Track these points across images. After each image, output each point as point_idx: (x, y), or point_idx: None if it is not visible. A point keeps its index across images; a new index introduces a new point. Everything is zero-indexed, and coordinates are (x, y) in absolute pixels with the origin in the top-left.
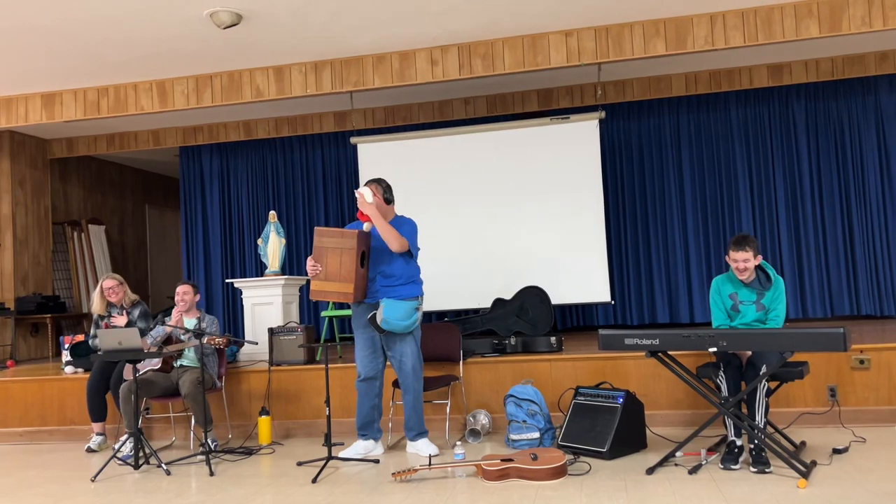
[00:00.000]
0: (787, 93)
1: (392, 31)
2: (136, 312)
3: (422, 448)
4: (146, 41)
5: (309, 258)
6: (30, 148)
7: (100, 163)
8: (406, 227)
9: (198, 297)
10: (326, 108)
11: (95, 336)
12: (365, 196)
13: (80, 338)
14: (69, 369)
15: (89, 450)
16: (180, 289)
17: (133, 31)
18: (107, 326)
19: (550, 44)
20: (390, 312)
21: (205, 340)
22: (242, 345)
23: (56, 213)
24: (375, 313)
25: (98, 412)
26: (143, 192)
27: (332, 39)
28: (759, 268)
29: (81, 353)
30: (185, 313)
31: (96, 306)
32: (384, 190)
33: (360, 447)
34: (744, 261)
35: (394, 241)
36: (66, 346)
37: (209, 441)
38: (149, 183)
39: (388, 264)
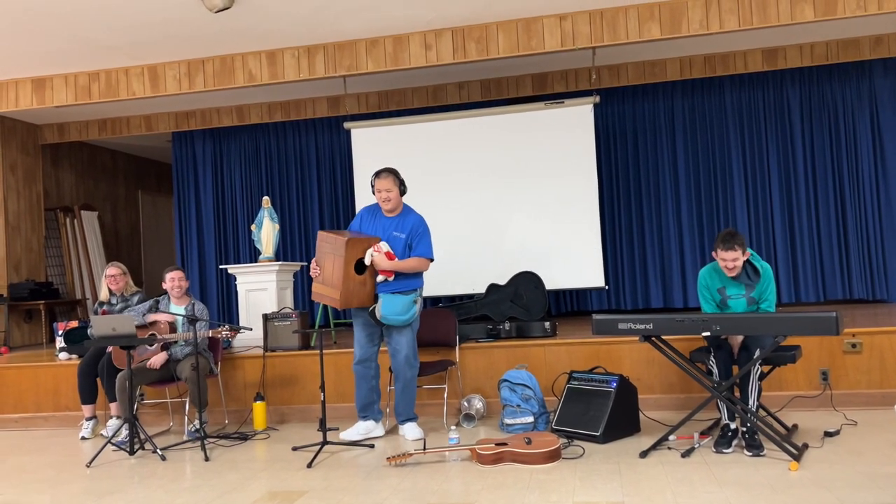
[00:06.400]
0: (781, 77)
1: (385, 15)
2: (135, 300)
3: (408, 432)
4: (137, 25)
5: (313, 260)
6: (21, 133)
7: (92, 148)
8: (421, 234)
9: (187, 284)
10: (320, 93)
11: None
12: (380, 263)
13: (74, 324)
14: (63, 356)
15: (83, 438)
16: (173, 274)
17: (124, 15)
18: (104, 313)
19: (545, 28)
20: (387, 309)
21: (209, 333)
22: (238, 332)
23: (48, 199)
24: (375, 307)
25: (89, 394)
26: (136, 178)
27: (324, 23)
28: (746, 261)
29: (75, 340)
30: (176, 300)
31: (102, 293)
32: (401, 183)
33: (360, 428)
34: (733, 260)
35: (417, 269)
36: (60, 332)
37: (201, 422)
38: (141, 169)
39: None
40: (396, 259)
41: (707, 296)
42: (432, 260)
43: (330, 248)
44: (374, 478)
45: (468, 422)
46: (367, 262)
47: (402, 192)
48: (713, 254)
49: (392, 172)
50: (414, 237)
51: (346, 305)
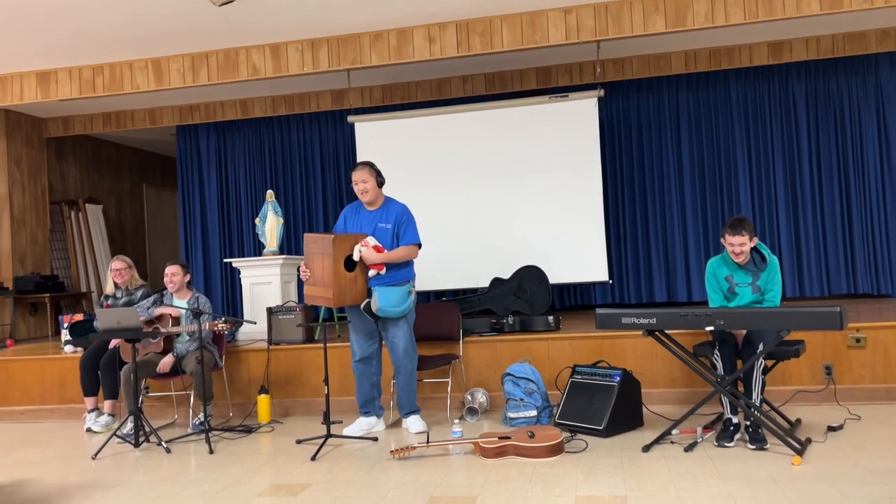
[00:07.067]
0: (787, 70)
1: (389, 8)
2: (139, 293)
3: (411, 425)
4: (141, 19)
5: (302, 264)
6: (25, 127)
7: (96, 142)
8: (406, 222)
9: (188, 277)
10: (323, 87)
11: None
12: (369, 257)
13: (79, 317)
14: (69, 348)
15: (88, 430)
16: (167, 269)
17: (128, 9)
18: (108, 307)
19: (549, 21)
20: (384, 300)
21: (206, 326)
22: (241, 324)
23: (53, 193)
24: (369, 301)
25: (91, 386)
26: (140, 172)
27: (328, 17)
28: (754, 249)
29: (81, 333)
30: (176, 294)
31: (108, 286)
32: (377, 174)
33: (363, 423)
34: (740, 244)
35: (407, 258)
36: (66, 325)
37: (206, 414)
38: (146, 162)
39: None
40: (385, 251)
41: (714, 284)
42: (420, 245)
43: (317, 249)
44: (377, 471)
45: (471, 415)
46: (355, 257)
47: (380, 183)
48: (721, 240)
49: (367, 164)
50: (400, 226)
51: (340, 303)
